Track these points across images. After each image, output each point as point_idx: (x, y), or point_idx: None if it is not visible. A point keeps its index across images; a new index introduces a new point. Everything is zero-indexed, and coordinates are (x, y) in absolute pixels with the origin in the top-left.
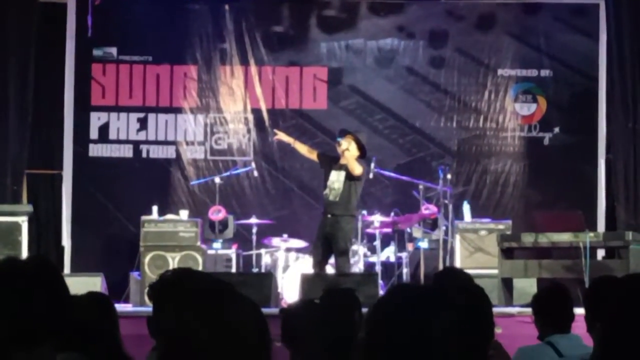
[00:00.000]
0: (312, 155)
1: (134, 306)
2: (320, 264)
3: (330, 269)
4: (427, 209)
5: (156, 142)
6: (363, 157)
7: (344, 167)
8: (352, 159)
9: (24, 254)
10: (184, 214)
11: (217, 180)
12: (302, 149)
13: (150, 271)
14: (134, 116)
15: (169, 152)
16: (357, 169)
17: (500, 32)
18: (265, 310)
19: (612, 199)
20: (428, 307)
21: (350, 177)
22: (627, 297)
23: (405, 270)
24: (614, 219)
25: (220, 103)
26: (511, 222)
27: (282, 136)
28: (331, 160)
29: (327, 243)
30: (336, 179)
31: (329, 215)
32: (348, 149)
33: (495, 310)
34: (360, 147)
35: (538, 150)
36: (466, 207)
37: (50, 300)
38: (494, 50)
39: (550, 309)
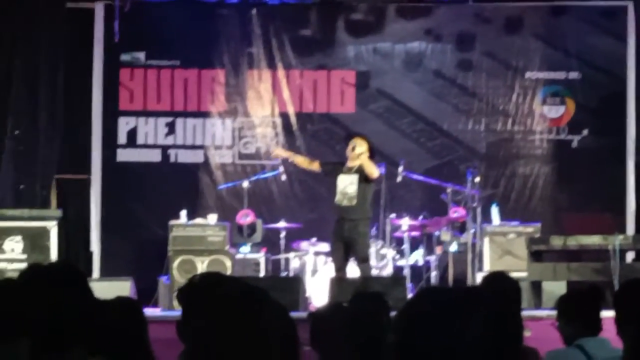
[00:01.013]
0: (313, 166)
1: (162, 310)
2: (341, 269)
3: (352, 268)
4: (456, 212)
5: (184, 147)
6: (372, 157)
7: (356, 170)
8: (369, 161)
9: (53, 258)
10: (212, 218)
11: (245, 184)
12: (302, 161)
13: (179, 275)
14: (162, 121)
15: (197, 157)
16: (376, 172)
17: (527, 34)
18: (293, 314)
19: None
20: (456, 311)
21: (366, 180)
22: None
23: (433, 274)
24: None
25: (248, 107)
26: (540, 224)
27: (279, 152)
28: (336, 165)
29: (346, 247)
30: (349, 182)
31: (346, 220)
32: (363, 152)
33: (524, 313)
34: (370, 148)
35: (566, 153)
36: (495, 210)
37: (78, 305)
38: (521, 52)
39: (581, 311)
